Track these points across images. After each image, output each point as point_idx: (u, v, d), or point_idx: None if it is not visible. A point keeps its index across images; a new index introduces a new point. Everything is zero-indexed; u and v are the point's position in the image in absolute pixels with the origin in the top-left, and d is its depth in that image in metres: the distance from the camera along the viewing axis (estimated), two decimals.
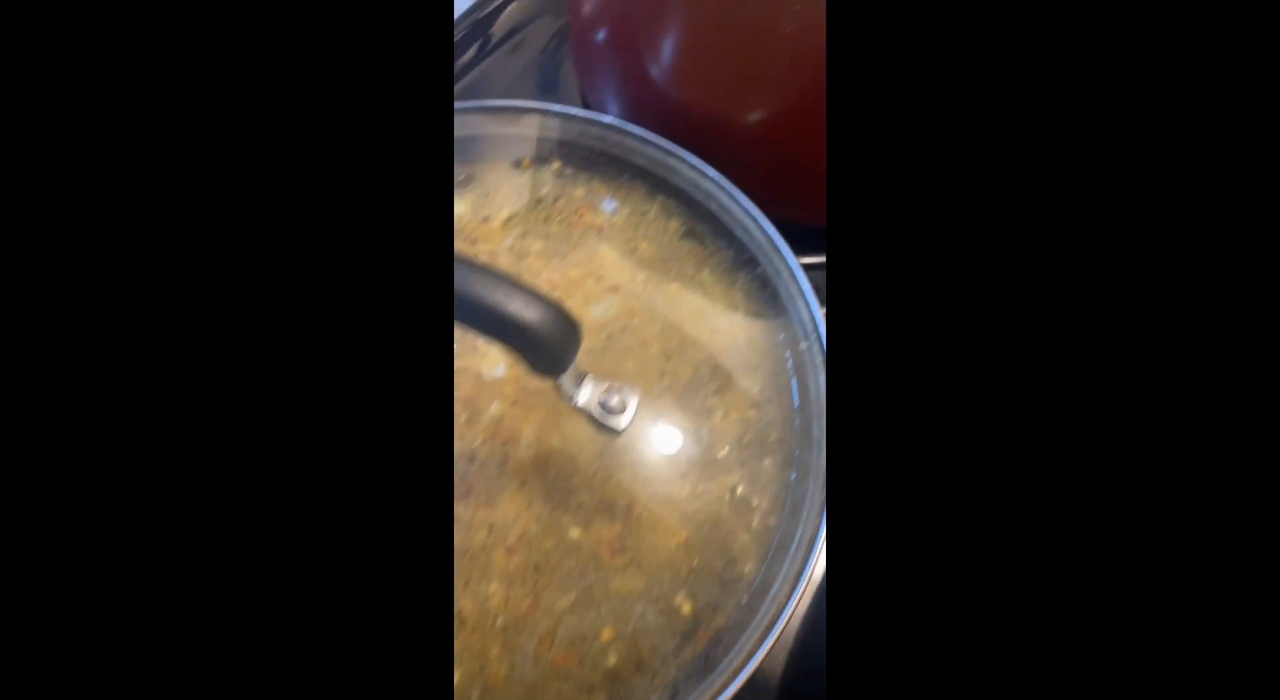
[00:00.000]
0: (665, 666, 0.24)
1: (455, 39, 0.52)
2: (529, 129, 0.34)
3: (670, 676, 0.24)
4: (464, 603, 0.24)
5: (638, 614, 0.24)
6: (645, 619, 0.24)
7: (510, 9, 0.54)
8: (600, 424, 0.23)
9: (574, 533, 0.26)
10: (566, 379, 0.22)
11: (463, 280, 0.18)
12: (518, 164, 0.34)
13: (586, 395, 0.23)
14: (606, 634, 0.24)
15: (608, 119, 0.32)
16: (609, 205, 0.33)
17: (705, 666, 0.23)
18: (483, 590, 0.25)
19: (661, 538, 0.26)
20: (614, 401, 0.23)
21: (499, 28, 0.54)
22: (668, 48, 0.33)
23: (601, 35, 0.36)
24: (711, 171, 0.30)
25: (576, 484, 0.26)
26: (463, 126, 0.34)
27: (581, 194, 0.33)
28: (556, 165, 0.34)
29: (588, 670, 0.24)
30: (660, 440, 0.27)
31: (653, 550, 0.25)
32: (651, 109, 0.34)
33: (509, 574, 0.25)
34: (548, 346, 0.19)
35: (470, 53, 0.52)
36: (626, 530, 0.26)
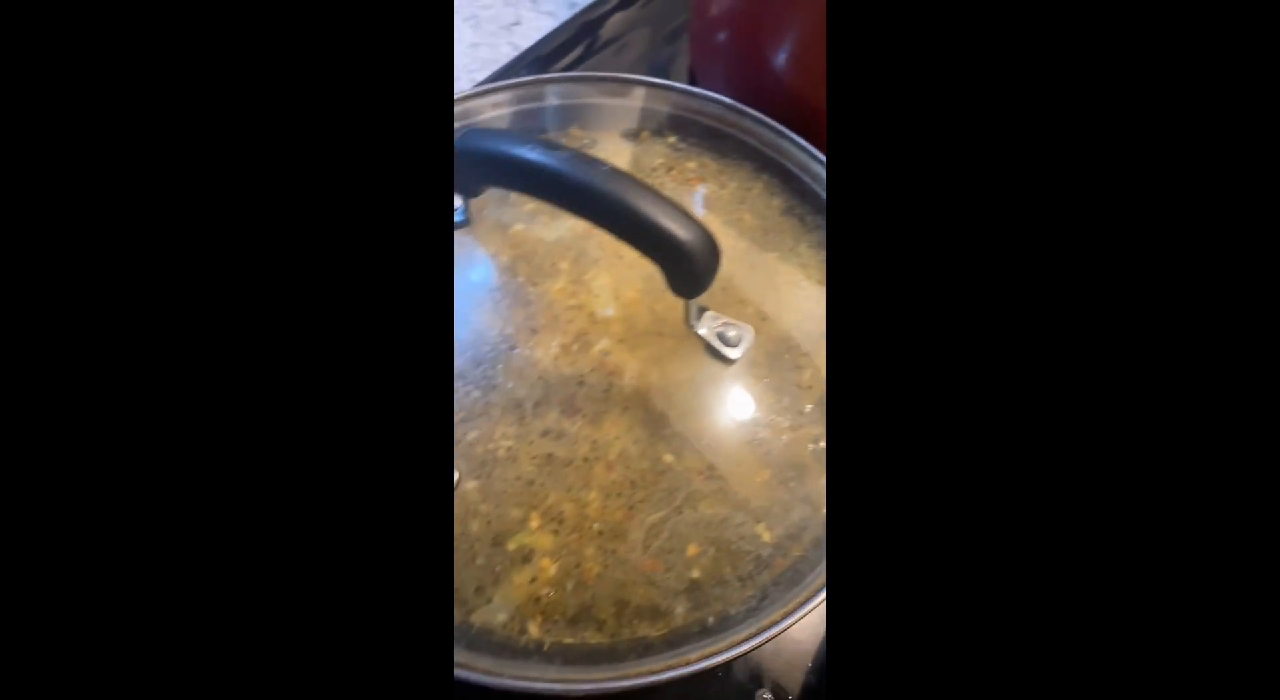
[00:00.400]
0: (744, 585, 0.24)
1: (564, 37, 0.54)
2: (651, 103, 0.35)
3: (747, 593, 0.24)
4: (566, 506, 0.25)
5: (721, 536, 0.25)
6: (728, 541, 0.25)
7: (616, 17, 0.56)
8: (716, 352, 0.24)
9: (668, 458, 0.26)
10: (695, 304, 0.23)
11: (622, 191, 0.19)
12: (636, 135, 0.35)
13: (707, 325, 0.24)
14: (692, 549, 0.25)
15: (727, 100, 0.33)
16: (717, 179, 0.34)
17: (793, 578, 0.23)
18: (583, 497, 0.25)
19: (746, 473, 0.26)
20: (731, 334, 0.23)
21: (606, 31, 0.55)
22: (788, 40, 0.34)
23: (723, 27, 0.38)
24: (819, 154, 0.31)
25: (672, 417, 0.27)
26: (588, 95, 0.35)
27: (693, 166, 0.34)
28: (672, 139, 0.35)
29: (673, 579, 0.24)
30: (751, 386, 0.28)
31: (738, 483, 0.26)
32: (765, 97, 0.35)
33: (607, 486, 0.26)
34: (694, 265, 0.20)
35: (578, 51, 0.54)
36: (715, 462, 0.26)
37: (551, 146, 0.20)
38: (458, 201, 0.28)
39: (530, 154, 0.20)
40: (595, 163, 0.20)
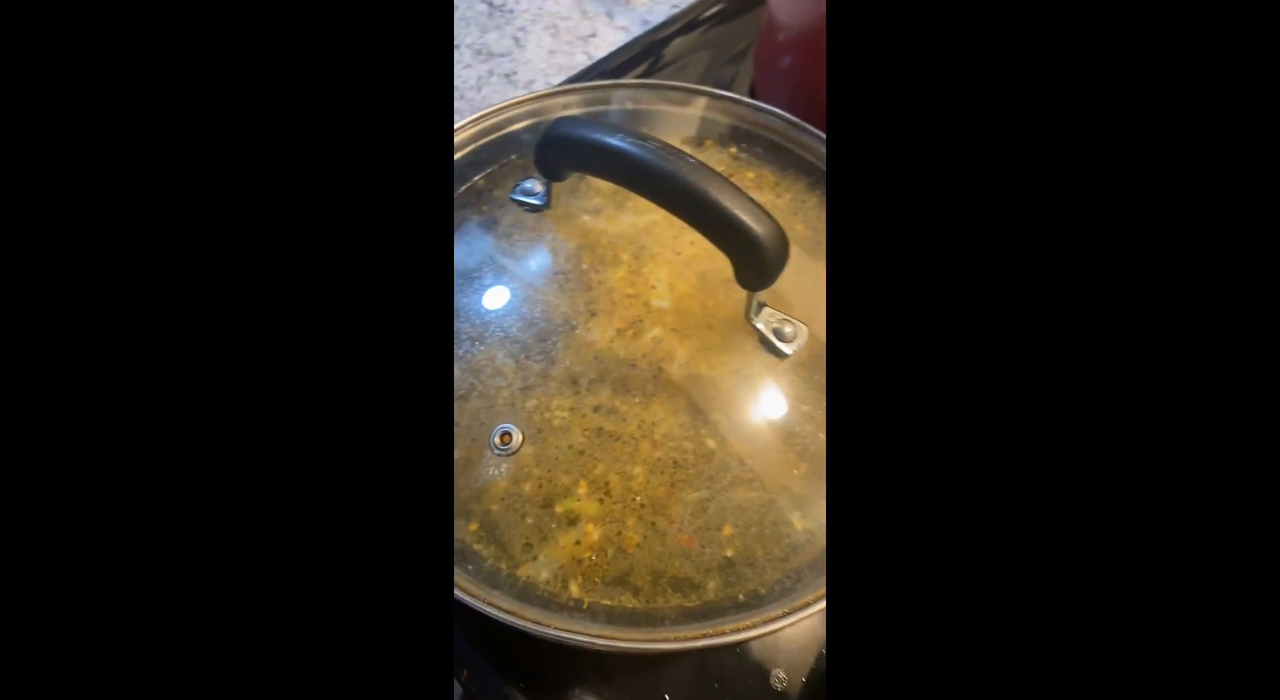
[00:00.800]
0: (773, 567, 0.24)
1: (631, 53, 0.55)
2: (714, 114, 0.35)
3: (778, 576, 0.24)
4: (612, 477, 0.25)
5: (756, 520, 0.25)
6: (762, 525, 0.25)
7: (678, 40, 0.56)
8: (771, 346, 0.24)
9: (710, 442, 0.26)
10: (756, 299, 0.22)
11: (704, 182, 0.19)
12: (699, 143, 0.35)
13: (765, 320, 0.24)
14: (727, 530, 0.25)
15: (789, 115, 0.33)
16: (774, 189, 0.34)
17: (823, 565, 0.23)
18: (628, 470, 0.25)
19: (784, 463, 0.26)
20: (788, 330, 0.23)
21: (669, 52, 0.56)
22: None
23: (788, 53, 0.38)
24: None
25: (717, 405, 0.27)
26: (654, 102, 0.35)
27: (751, 176, 0.34)
28: (734, 150, 0.35)
29: (707, 556, 0.24)
30: (795, 383, 0.27)
31: (776, 472, 0.26)
32: (824, 117, 0.35)
33: (651, 462, 0.26)
34: (765, 258, 0.20)
35: (643, 67, 0.54)
36: (755, 451, 0.26)
37: (639, 137, 0.20)
38: (540, 185, 0.28)
39: (619, 142, 0.20)
40: (680, 155, 0.20)
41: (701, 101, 0.35)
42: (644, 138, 0.20)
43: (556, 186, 0.30)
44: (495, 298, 0.28)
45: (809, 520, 0.25)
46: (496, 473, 0.24)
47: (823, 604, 0.22)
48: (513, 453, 0.24)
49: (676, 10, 0.55)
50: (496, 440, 0.24)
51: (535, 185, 0.28)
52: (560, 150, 0.22)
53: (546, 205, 0.28)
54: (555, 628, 0.20)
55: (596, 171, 0.23)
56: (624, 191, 0.31)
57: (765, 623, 0.21)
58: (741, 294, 0.30)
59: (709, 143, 0.35)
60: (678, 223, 0.32)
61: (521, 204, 0.28)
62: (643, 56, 0.54)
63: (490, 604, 0.21)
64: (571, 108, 0.35)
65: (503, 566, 0.24)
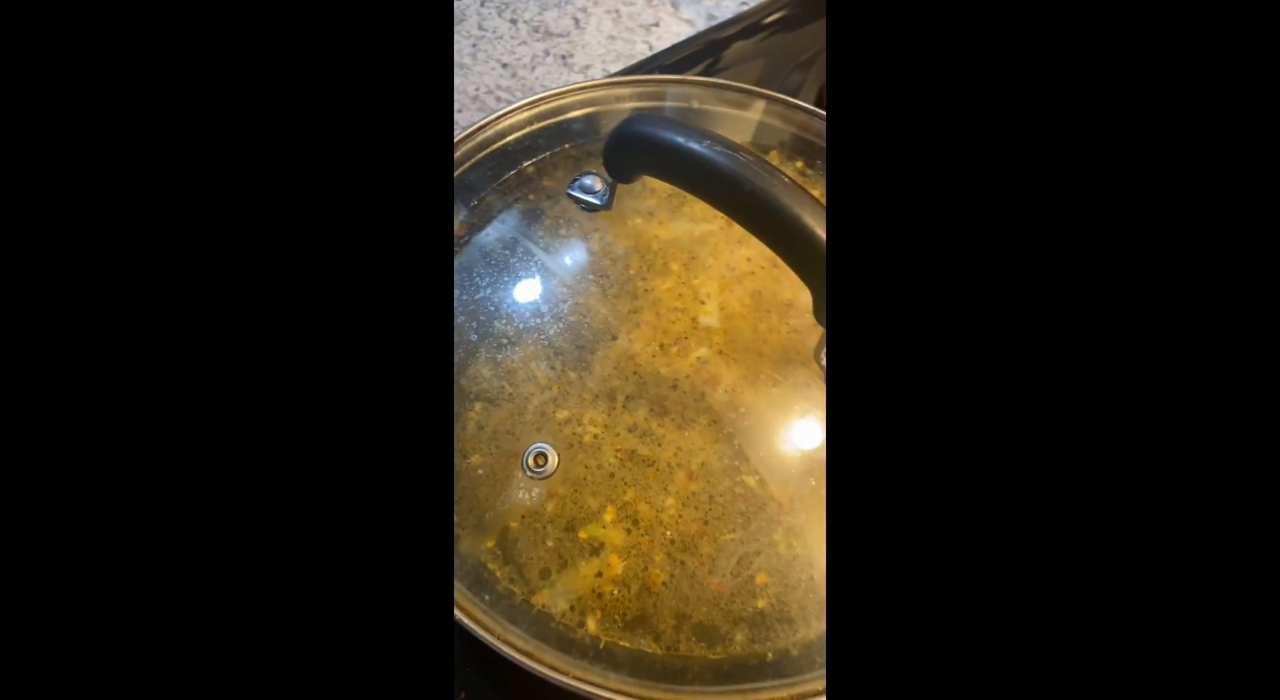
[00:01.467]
0: (807, 626, 0.22)
1: (690, 50, 0.52)
2: (773, 120, 0.33)
3: (810, 637, 0.22)
4: (641, 507, 0.23)
5: (793, 572, 0.23)
6: (798, 578, 0.22)
7: (737, 44, 0.54)
8: None
9: (750, 480, 0.24)
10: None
11: (798, 206, 0.17)
12: (766, 152, 0.33)
13: None
14: (761, 578, 0.22)
15: None
16: None
17: None
18: (660, 501, 0.23)
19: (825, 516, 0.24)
20: None
21: (728, 54, 0.53)
22: None
23: None
24: None
25: (760, 442, 0.25)
26: (720, 102, 0.33)
27: (816, 194, 0.31)
28: (800, 164, 0.32)
29: (737, 605, 0.22)
30: None
31: (819, 522, 0.23)
32: None
33: (686, 495, 0.23)
34: None
35: (701, 66, 0.52)
36: (798, 498, 0.24)
37: (729, 146, 0.18)
38: (601, 184, 0.26)
39: (707, 151, 0.17)
40: (774, 171, 0.17)
41: (766, 107, 0.33)
42: (734, 148, 0.18)
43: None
44: (535, 297, 0.26)
45: None
46: (526, 496, 0.22)
47: None
48: (546, 477, 0.22)
49: (745, 7, 0.52)
50: (530, 461, 0.22)
51: (596, 183, 0.26)
52: (634, 151, 0.20)
53: (606, 206, 0.26)
54: (573, 678, 0.18)
55: (672, 178, 0.20)
56: (680, 195, 0.29)
57: (800, 699, 0.19)
58: (799, 320, 0.27)
59: (774, 153, 0.32)
60: (735, 235, 0.30)
61: (578, 201, 0.26)
62: (703, 54, 0.51)
63: (504, 641, 0.19)
64: (623, 101, 0.32)
65: (517, 591, 0.21)
